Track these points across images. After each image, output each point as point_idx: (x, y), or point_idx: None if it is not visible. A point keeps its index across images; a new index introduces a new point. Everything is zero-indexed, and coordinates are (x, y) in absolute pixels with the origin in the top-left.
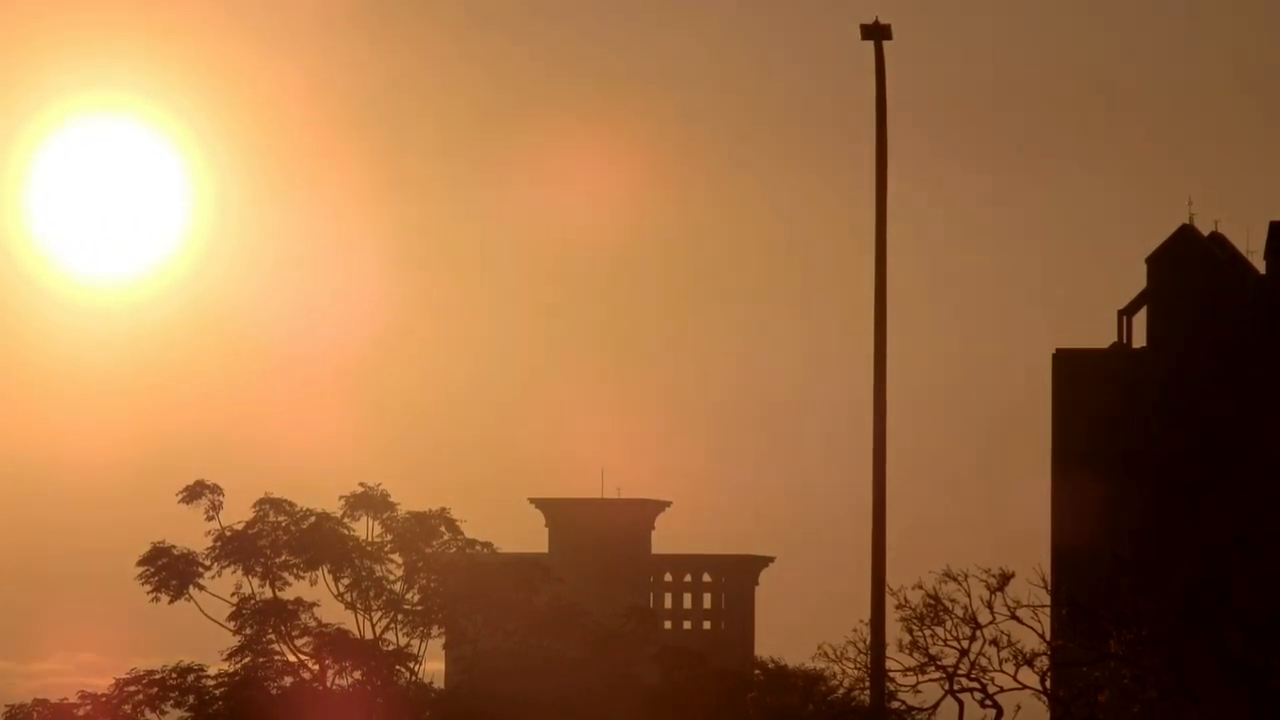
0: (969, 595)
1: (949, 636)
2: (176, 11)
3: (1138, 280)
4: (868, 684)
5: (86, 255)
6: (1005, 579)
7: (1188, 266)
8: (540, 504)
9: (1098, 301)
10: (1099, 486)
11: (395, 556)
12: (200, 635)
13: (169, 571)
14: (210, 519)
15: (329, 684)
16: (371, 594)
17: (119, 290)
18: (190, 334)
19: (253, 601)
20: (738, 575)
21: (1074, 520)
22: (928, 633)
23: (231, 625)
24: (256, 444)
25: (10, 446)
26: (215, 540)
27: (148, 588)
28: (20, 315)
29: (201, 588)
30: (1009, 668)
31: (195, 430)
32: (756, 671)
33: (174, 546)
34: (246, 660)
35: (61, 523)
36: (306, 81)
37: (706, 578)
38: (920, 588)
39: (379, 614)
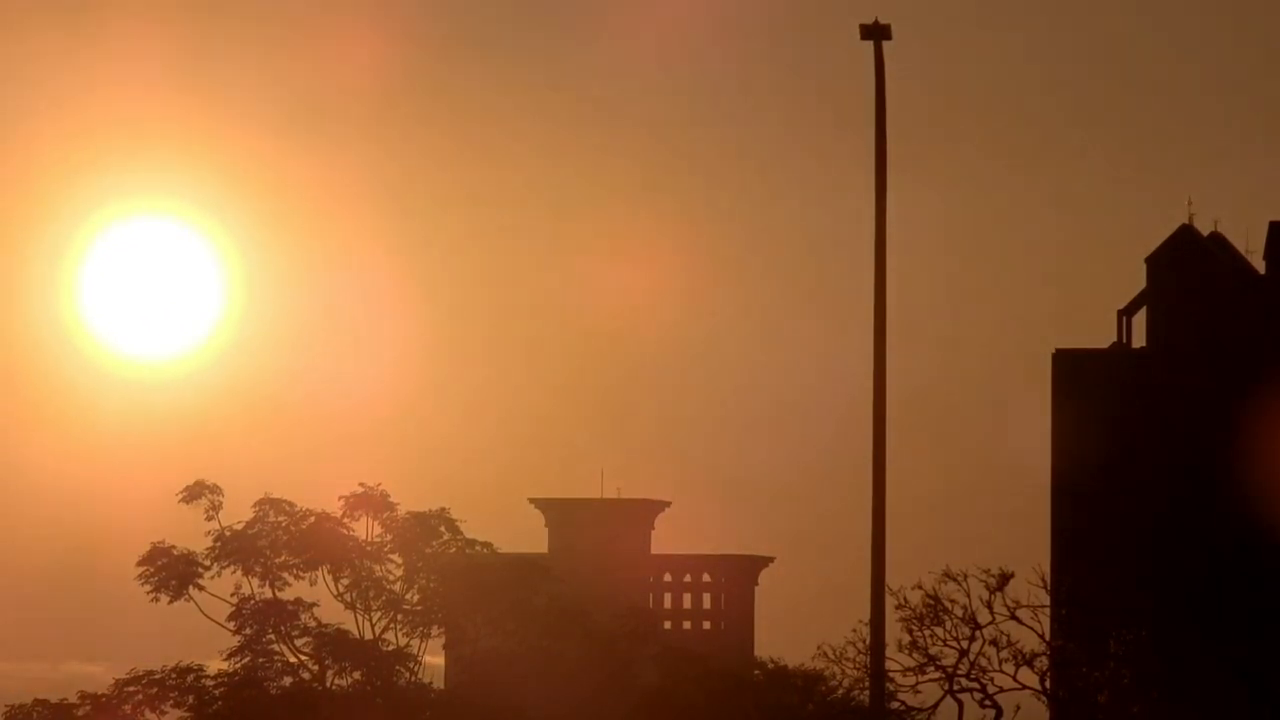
0: (968, 595)
1: (948, 637)
2: (202, 115)
3: (1137, 280)
4: (867, 684)
5: (132, 336)
6: (1005, 579)
7: (1188, 266)
8: (540, 504)
9: (1098, 301)
10: (1098, 487)
11: (395, 557)
12: (200, 635)
13: (169, 572)
14: (210, 519)
15: (329, 684)
16: (371, 594)
17: (161, 365)
18: (224, 401)
19: (252, 601)
20: (738, 575)
21: (1073, 521)
22: (927, 633)
23: (231, 625)
24: (275, 473)
25: (61, 494)
26: (215, 540)
27: (147, 588)
28: (74, 386)
29: (201, 588)
30: (1008, 668)
31: (225, 473)
32: (756, 671)
33: (174, 546)
34: (246, 660)
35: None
36: (326, 170)
37: (706, 578)
38: (920, 588)
39: (379, 614)
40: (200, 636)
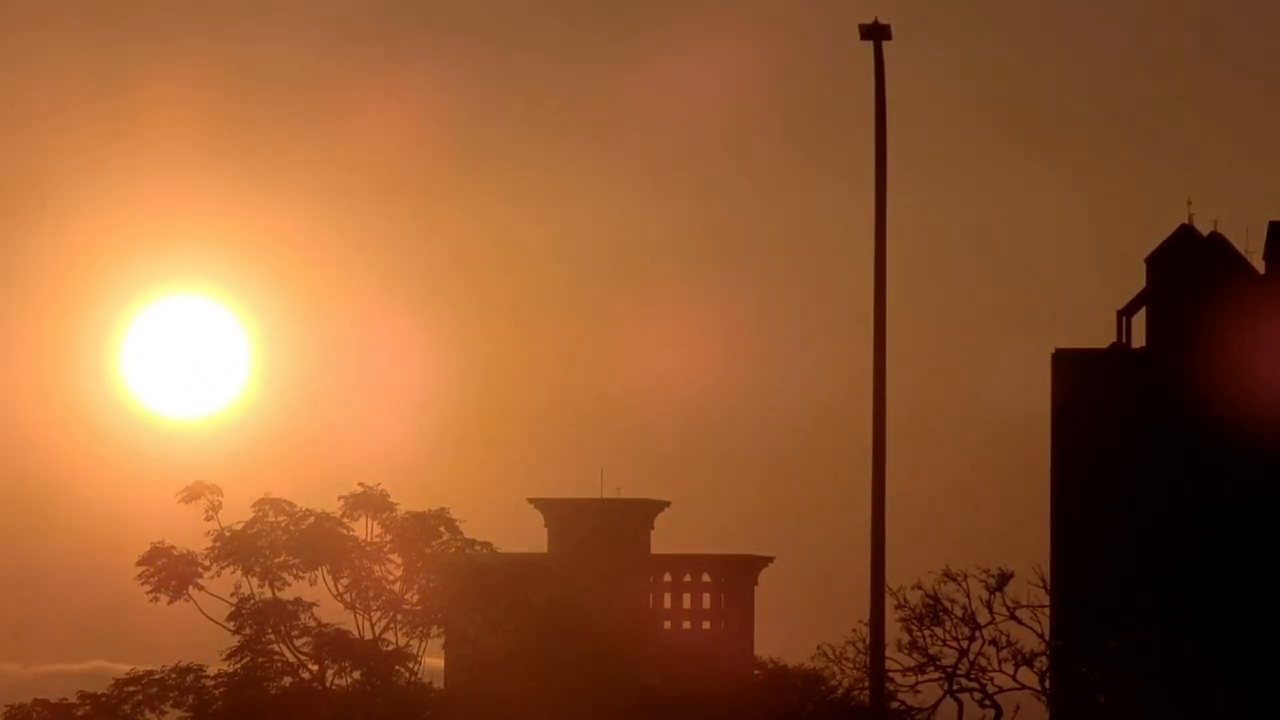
0: (968, 595)
1: (948, 636)
2: (226, 205)
3: (1137, 280)
4: (867, 684)
5: (170, 397)
6: (1004, 579)
7: (1187, 266)
8: (540, 504)
9: (1098, 301)
10: (1098, 486)
11: (395, 557)
12: (200, 635)
13: (168, 572)
14: (209, 519)
15: (328, 684)
16: (371, 594)
17: (195, 422)
18: (249, 452)
19: (252, 602)
20: (738, 575)
21: (1074, 520)
22: (927, 633)
23: (231, 625)
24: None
25: (107, 528)
26: (215, 540)
27: (147, 588)
28: (118, 443)
29: (201, 588)
30: (1008, 668)
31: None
32: (756, 671)
33: (173, 547)
34: (246, 660)
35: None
36: (343, 241)
37: (706, 578)
38: (920, 588)
39: (378, 614)
40: (200, 636)
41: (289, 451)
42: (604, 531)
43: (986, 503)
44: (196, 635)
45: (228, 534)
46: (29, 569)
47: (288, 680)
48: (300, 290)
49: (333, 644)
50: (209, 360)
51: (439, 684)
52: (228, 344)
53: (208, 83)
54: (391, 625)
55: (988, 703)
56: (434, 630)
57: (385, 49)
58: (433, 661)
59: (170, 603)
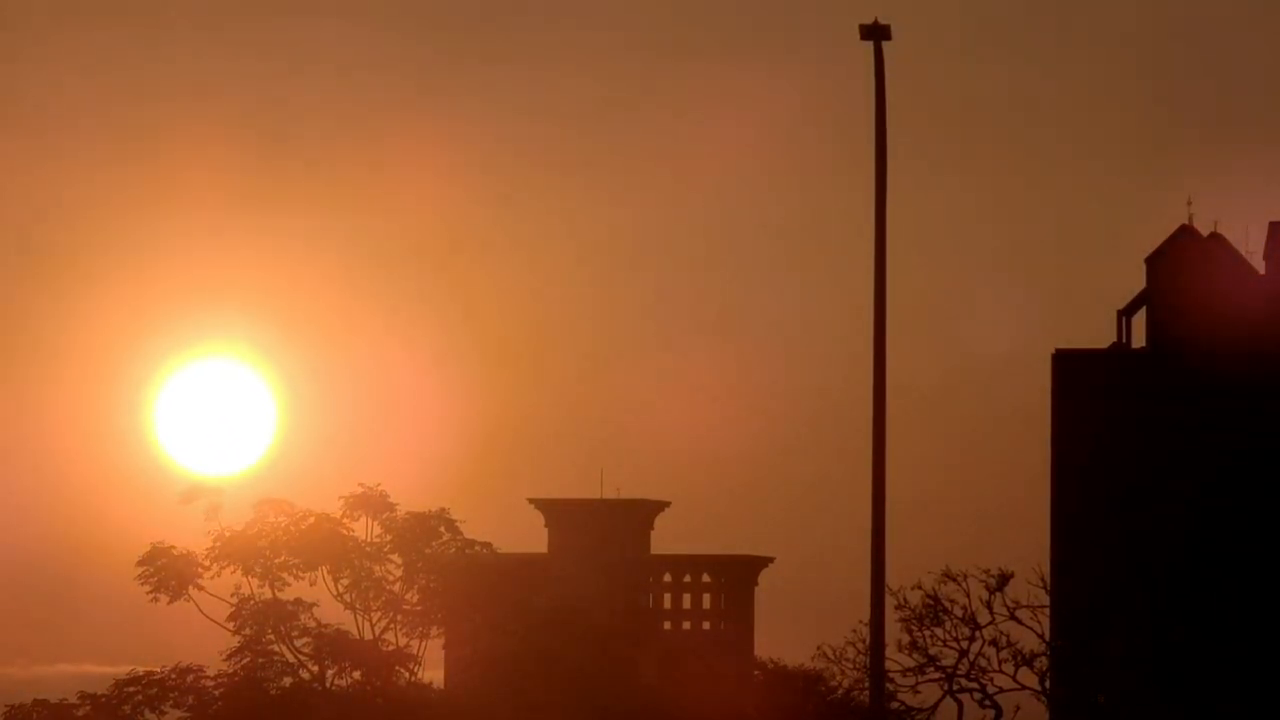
0: (968, 596)
1: (948, 637)
2: (254, 272)
3: (1137, 280)
4: (867, 684)
5: (201, 455)
6: (1004, 579)
7: (1187, 266)
8: (539, 504)
9: (1098, 301)
10: (1098, 487)
11: (395, 557)
12: (200, 636)
13: (168, 572)
14: (210, 520)
15: (328, 684)
16: (371, 594)
17: (226, 479)
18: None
19: (252, 602)
20: (738, 575)
21: (1074, 520)
22: (927, 633)
23: (231, 625)
24: None
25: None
26: (215, 541)
27: (147, 588)
28: (152, 499)
29: (201, 588)
30: (1008, 668)
31: None
32: (756, 672)
33: (173, 547)
34: (246, 661)
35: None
36: (364, 309)
37: (706, 578)
38: (920, 588)
39: (378, 614)
40: (200, 637)
41: (320, 496)
42: (604, 531)
43: (986, 503)
44: (196, 635)
45: (228, 534)
46: (69, 622)
47: (288, 681)
48: (322, 342)
49: (333, 644)
50: (238, 418)
51: (439, 684)
52: (255, 402)
53: (239, 141)
54: (391, 625)
55: (988, 703)
56: (434, 630)
57: (414, 112)
58: (433, 662)
59: (170, 603)
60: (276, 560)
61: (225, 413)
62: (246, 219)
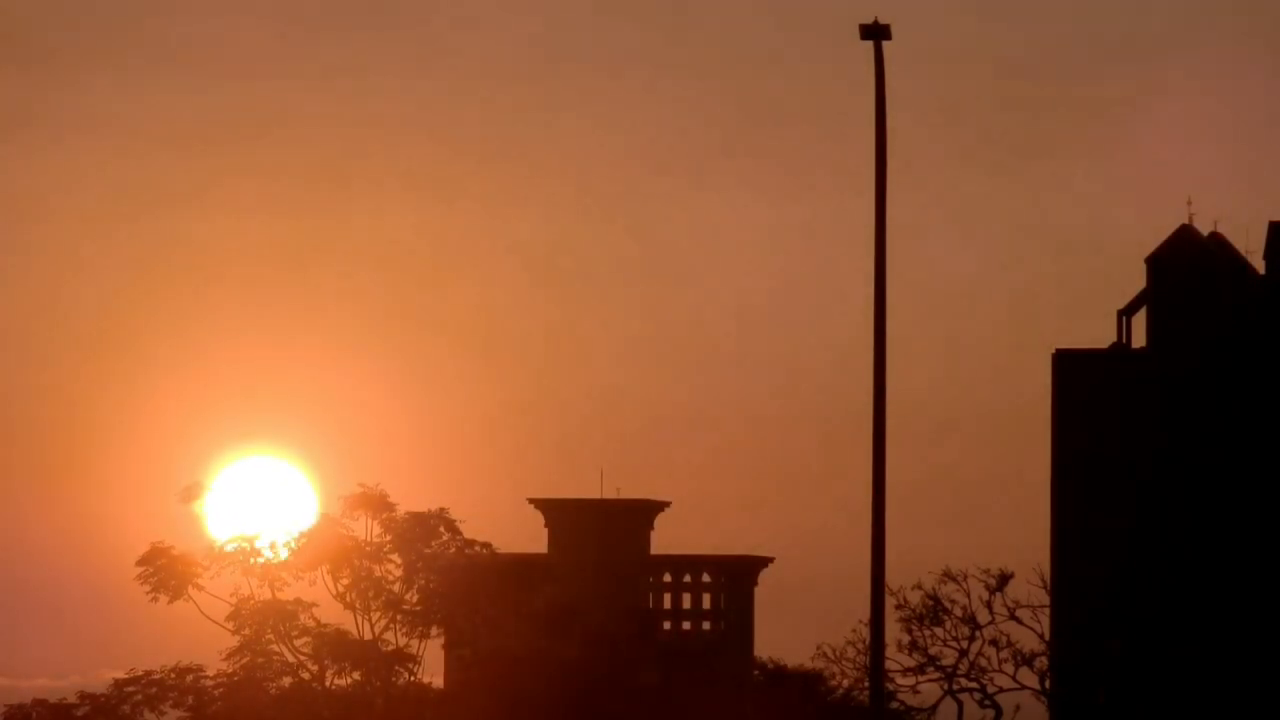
0: (968, 595)
1: (948, 637)
2: (284, 371)
3: (1138, 280)
4: (867, 684)
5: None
6: (1004, 579)
7: (1188, 266)
8: (539, 504)
9: (1098, 301)
10: (1099, 487)
11: (394, 557)
12: (199, 635)
13: (168, 572)
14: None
15: (328, 684)
16: (371, 594)
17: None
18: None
19: (251, 602)
20: (738, 575)
21: (1073, 521)
22: (927, 633)
23: (230, 625)
24: None
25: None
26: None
27: (146, 588)
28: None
29: (201, 588)
30: (1008, 668)
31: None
32: (756, 672)
33: (173, 547)
34: (245, 661)
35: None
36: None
37: (706, 578)
38: (920, 588)
39: (378, 614)
40: (200, 637)
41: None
42: (604, 531)
43: (987, 503)
44: (196, 635)
45: (228, 534)
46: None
47: (287, 680)
48: (356, 443)
49: (332, 644)
50: (280, 511)
51: (439, 684)
52: (297, 495)
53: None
54: (391, 625)
55: (988, 703)
56: (434, 630)
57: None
58: (433, 662)
59: (170, 603)
60: (276, 560)
61: (267, 505)
62: (280, 311)
